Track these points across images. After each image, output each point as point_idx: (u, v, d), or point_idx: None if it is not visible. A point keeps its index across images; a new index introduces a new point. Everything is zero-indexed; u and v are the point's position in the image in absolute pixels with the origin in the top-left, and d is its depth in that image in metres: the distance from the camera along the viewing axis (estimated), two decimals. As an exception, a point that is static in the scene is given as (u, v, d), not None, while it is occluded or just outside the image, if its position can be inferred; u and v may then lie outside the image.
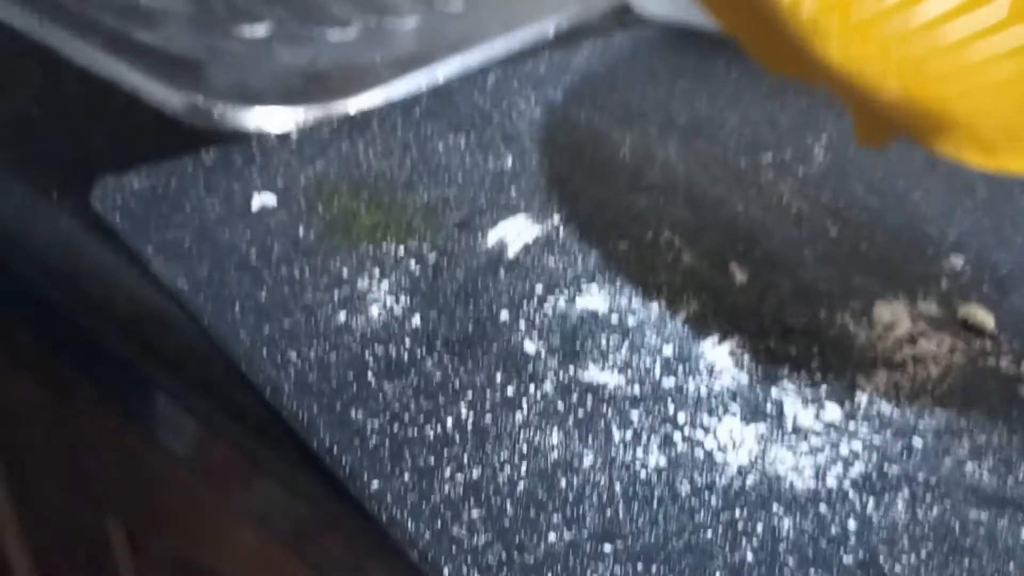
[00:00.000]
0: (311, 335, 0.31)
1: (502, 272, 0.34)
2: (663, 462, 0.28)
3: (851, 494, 0.28)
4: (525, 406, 0.29)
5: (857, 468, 0.28)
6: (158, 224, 0.35)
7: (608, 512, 0.26)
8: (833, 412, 0.30)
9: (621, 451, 0.28)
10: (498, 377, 0.30)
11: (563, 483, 0.27)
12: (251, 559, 0.44)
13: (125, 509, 0.53)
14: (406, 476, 0.27)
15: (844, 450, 0.29)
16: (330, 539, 0.34)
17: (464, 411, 0.29)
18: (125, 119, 0.43)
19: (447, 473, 0.27)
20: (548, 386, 0.30)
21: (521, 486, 0.27)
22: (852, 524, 0.27)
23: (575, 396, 0.30)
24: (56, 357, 0.47)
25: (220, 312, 0.32)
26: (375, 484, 0.26)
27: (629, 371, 0.31)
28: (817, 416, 0.30)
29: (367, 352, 0.31)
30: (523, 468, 0.27)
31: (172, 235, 0.35)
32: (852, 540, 0.26)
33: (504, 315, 0.33)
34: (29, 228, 0.38)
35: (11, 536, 0.70)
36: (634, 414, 0.29)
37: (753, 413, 0.30)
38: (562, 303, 0.33)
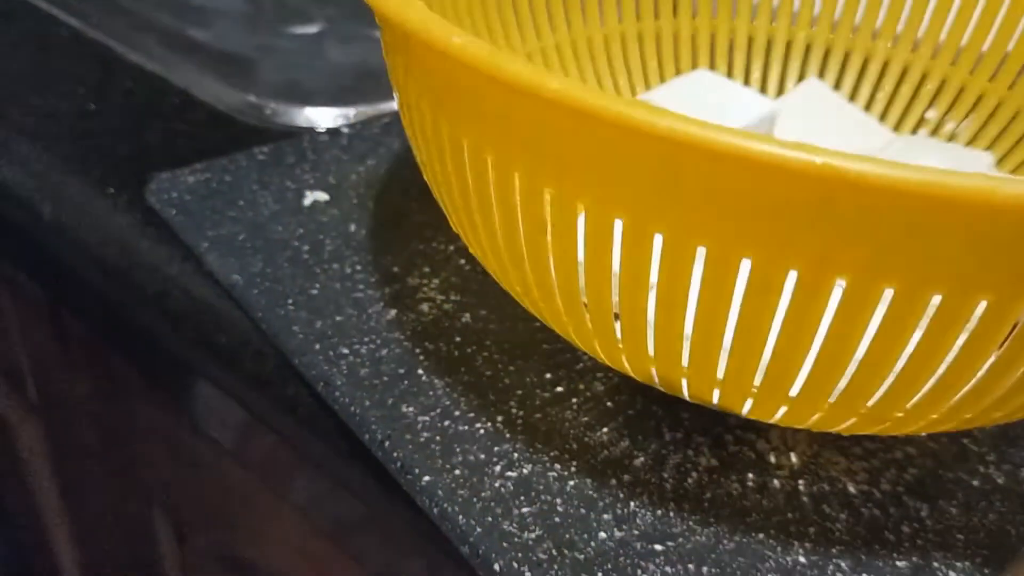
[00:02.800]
0: (362, 330, 0.31)
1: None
2: (715, 462, 0.28)
3: (905, 498, 0.27)
4: (575, 404, 0.29)
5: (911, 472, 0.28)
6: (212, 219, 0.36)
7: (659, 511, 0.26)
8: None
9: (672, 451, 0.28)
10: (548, 375, 0.30)
11: (613, 482, 0.27)
12: (296, 553, 0.44)
13: (173, 502, 0.53)
14: (457, 471, 0.27)
15: (899, 454, 0.29)
16: (374, 534, 0.34)
17: (515, 408, 0.29)
18: (179, 116, 0.44)
19: (498, 469, 0.27)
20: (599, 386, 0.30)
21: (571, 483, 0.27)
22: (906, 529, 0.26)
23: (625, 396, 0.30)
24: (109, 350, 0.47)
25: (273, 307, 0.32)
26: (426, 479, 0.27)
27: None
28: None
29: (418, 348, 0.31)
30: (573, 466, 0.27)
31: (226, 230, 0.35)
32: (906, 544, 0.26)
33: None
34: (85, 223, 0.38)
35: (58, 527, 0.71)
36: (684, 415, 0.29)
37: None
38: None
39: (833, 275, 0.19)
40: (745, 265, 0.19)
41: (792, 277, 0.19)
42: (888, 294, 0.19)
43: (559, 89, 0.18)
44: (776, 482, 0.27)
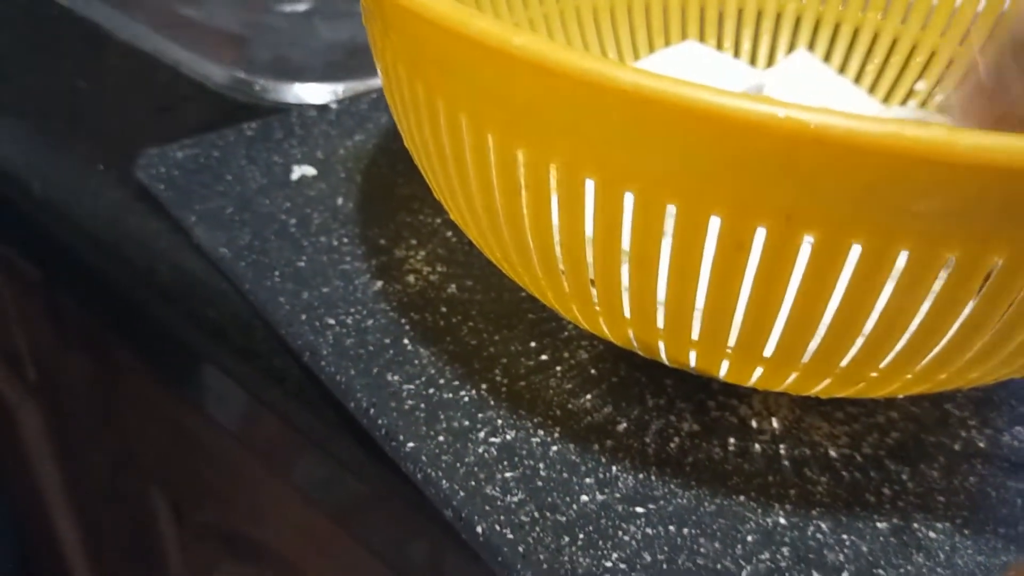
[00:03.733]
0: (349, 301, 0.32)
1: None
2: (697, 428, 0.28)
3: (887, 462, 0.27)
4: (559, 372, 0.30)
5: (893, 437, 0.28)
6: (200, 194, 0.36)
7: (641, 475, 0.26)
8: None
9: (654, 416, 0.28)
10: (532, 344, 0.31)
11: (596, 447, 0.27)
12: (295, 531, 0.45)
13: (170, 480, 0.54)
14: (441, 438, 0.27)
15: (881, 418, 0.29)
16: (375, 513, 0.34)
17: (499, 376, 0.29)
18: (168, 92, 0.44)
19: (481, 435, 0.27)
20: (583, 353, 0.30)
21: (554, 449, 0.27)
22: (886, 491, 0.27)
23: (609, 363, 0.30)
24: (102, 327, 0.48)
25: (260, 279, 0.32)
26: (410, 445, 0.27)
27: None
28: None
29: (403, 319, 0.31)
30: (557, 432, 0.28)
31: (214, 204, 0.35)
32: (887, 507, 0.26)
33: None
34: (75, 199, 0.39)
35: (59, 506, 0.71)
36: (667, 382, 0.29)
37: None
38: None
39: (800, 232, 0.19)
40: (714, 223, 0.19)
41: (761, 234, 0.19)
42: (856, 251, 0.19)
43: (524, 45, 0.18)
44: (757, 446, 0.28)
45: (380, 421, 0.28)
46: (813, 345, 0.22)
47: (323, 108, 0.42)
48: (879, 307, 0.20)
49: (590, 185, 0.20)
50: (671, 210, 0.20)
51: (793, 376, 0.23)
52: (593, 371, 0.30)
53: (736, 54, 0.44)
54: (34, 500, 0.73)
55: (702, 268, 0.20)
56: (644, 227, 0.20)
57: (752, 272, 0.20)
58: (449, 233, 0.35)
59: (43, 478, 0.71)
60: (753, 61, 0.44)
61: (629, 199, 0.20)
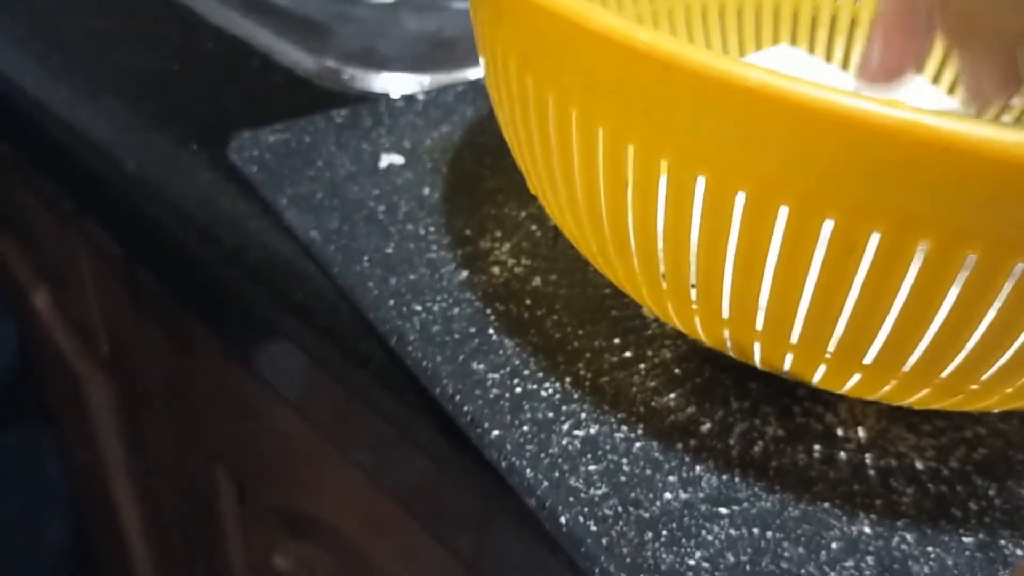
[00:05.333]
0: (435, 289, 0.32)
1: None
2: (781, 432, 0.28)
3: (974, 477, 0.27)
4: (643, 369, 0.30)
5: (981, 452, 0.28)
6: (291, 178, 0.36)
7: (724, 476, 0.26)
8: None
9: (738, 419, 0.28)
10: (616, 340, 0.31)
11: (679, 445, 0.27)
12: (358, 513, 0.45)
13: (236, 460, 0.55)
14: (525, 428, 0.27)
15: (968, 433, 0.28)
16: (443, 500, 0.35)
17: (583, 371, 0.29)
18: (259, 78, 0.45)
19: (565, 428, 0.27)
20: (667, 352, 0.30)
21: (638, 445, 0.27)
22: (973, 506, 0.26)
23: (693, 364, 0.30)
24: (180, 304, 0.49)
25: (349, 263, 0.33)
26: (495, 433, 0.27)
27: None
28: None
29: (488, 309, 0.31)
30: (640, 428, 0.28)
31: (304, 188, 0.36)
32: (973, 521, 0.26)
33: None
34: (168, 178, 0.39)
35: (121, 481, 0.73)
36: (752, 385, 0.29)
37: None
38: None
39: (917, 238, 0.19)
40: (827, 226, 0.19)
41: (875, 239, 0.19)
42: (971, 260, 0.19)
43: (650, 41, 0.18)
44: (843, 454, 0.27)
45: (466, 408, 0.28)
46: (916, 355, 0.22)
47: (410, 98, 0.42)
48: (988, 318, 0.20)
49: (700, 184, 0.20)
50: (782, 212, 0.20)
51: (891, 385, 0.23)
52: (677, 371, 0.30)
53: (828, 59, 0.43)
54: (96, 473, 0.75)
55: (811, 271, 0.20)
56: (754, 228, 0.20)
57: (860, 278, 0.20)
58: (534, 227, 0.35)
59: (107, 451, 0.72)
60: (845, 66, 0.43)
61: (740, 199, 0.20)
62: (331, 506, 0.48)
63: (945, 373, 0.22)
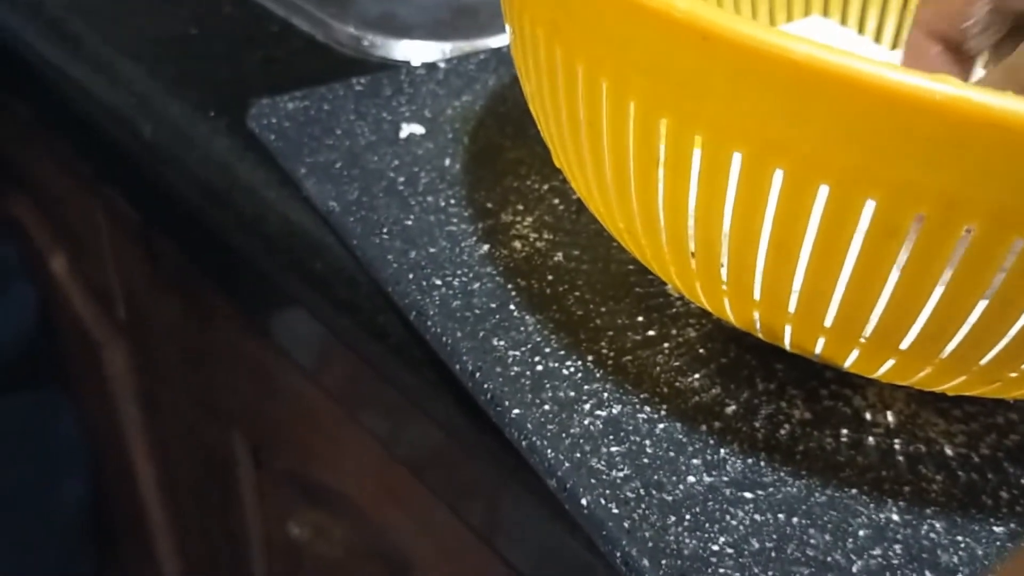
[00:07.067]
0: (455, 263, 0.31)
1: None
2: (808, 416, 0.27)
3: (1005, 464, 0.26)
4: (667, 349, 0.29)
5: (1013, 439, 0.27)
6: (310, 146, 0.36)
7: (750, 460, 0.26)
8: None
9: (764, 401, 0.28)
10: (640, 318, 0.30)
11: (704, 427, 0.27)
12: (373, 482, 0.45)
13: (253, 426, 0.55)
14: (546, 407, 0.27)
15: (1000, 419, 0.28)
16: (458, 472, 0.34)
17: (605, 349, 0.29)
18: (278, 44, 0.44)
19: (587, 407, 0.27)
20: (691, 332, 0.30)
21: (661, 426, 0.27)
22: (1004, 494, 0.26)
23: (718, 343, 0.29)
24: (198, 271, 0.48)
25: (368, 235, 0.32)
26: (515, 411, 0.27)
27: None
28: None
29: (509, 284, 0.31)
30: (663, 409, 0.27)
31: (323, 157, 0.35)
32: (1004, 510, 0.25)
33: (648, 257, 0.32)
34: (185, 144, 0.39)
35: (138, 446, 0.73)
36: (778, 366, 0.29)
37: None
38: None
39: (962, 221, 0.18)
40: (869, 207, 0.19)
41: (917, 221, 0.18)
42: (1018, 245, 0.18)
43: (688, 9, 0.17)
44: (871, 439, 0.27)
45: (486, 385, 0.27)
46: (955, 341, 0.21)
47: (431, 67, 0.41)
48: None
49: (735, 161, 0.20)
50: (822, 191, 0.19)
51: (926, 371, 0.23)
52: (701, 350, 0.29)
53: (861, 31, 0.42)
54: (113, 438, 0.75)
55: (849, 253, 0.20)
56: (792, 207, 0.19)
57: (901, 261, 0.19)
58: (556, 200, 0.35)
59: (124, 416, 0.72)
60: (878, 39, 0.42)
61: (777, 177, 0.19)
62: (347, 476, 0.47)
63: (984, 360, 0.21)
